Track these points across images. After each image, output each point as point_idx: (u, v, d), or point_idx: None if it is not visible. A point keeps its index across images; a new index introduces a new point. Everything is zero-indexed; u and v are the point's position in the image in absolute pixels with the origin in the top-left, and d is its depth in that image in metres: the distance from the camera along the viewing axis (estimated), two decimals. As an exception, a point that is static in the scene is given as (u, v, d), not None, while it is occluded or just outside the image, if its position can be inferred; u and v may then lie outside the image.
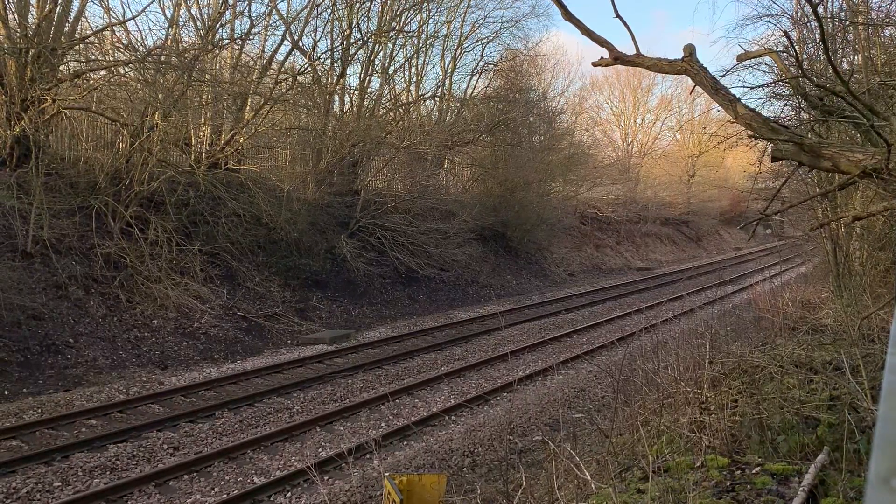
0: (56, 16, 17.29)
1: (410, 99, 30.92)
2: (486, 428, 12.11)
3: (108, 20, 18.87)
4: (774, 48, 12.31)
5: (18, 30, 16.66)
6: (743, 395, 8.16)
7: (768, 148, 8.81)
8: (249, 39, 22.70)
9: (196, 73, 19.56)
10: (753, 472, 6.44)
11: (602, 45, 8.11)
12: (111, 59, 18.72)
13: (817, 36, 10.29)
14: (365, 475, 9.93)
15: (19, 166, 16.38)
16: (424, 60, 31.81)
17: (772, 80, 14.17)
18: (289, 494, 9.52)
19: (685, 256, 49.33)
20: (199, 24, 21.46)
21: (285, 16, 23.67)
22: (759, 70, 16.54)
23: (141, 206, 18.12)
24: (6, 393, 12.55)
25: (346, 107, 27.95)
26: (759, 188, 18.23)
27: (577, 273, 35.70)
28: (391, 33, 27.33)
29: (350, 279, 22.86)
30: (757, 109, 8.11)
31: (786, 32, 8.70)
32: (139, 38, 20.55)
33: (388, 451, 11.09)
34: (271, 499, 9.40)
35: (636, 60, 8.11)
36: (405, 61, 30.47)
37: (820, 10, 10.49)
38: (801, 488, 5.75)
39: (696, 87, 8.00)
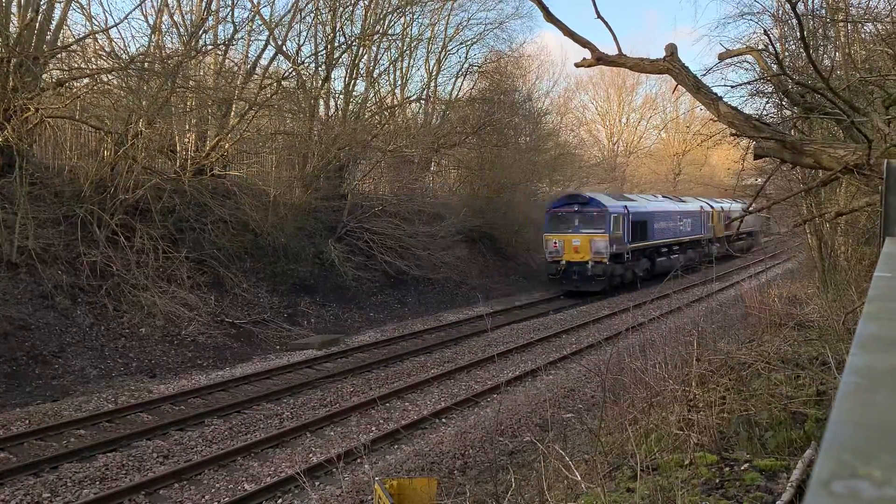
0: (37, 24, 17.19)
1: (396, 102, 30.90)
2: (476, 430, 12.11)
3: (90, 28, 18.79)
4: (756, 46, 12.39)
5: (-1, 39, 16.58)
6: (731, 392, 8.21)
7: (752, 145, 8.87)
8: (233, 45, 22.67)
9: (180, 80, 19.49)
10: (742, 468, 6.48)
11: (584, 46, 8.15)
12: (94, 66, 18.62)
13: (798, 33, 10.36)
14: (355, 480, 9.92)
15: (3, 176, 16.27)
16: (409, 63, 31.82)
17: (754, 78, 14.25)
18: (280, 501, 9.50)
19: (673, 254, 49.42)
20: (182, 30, 21.40)
21: (269, 20, 23.63)
22: (742, 68, 16.66)
23: (126, 213, 18.04)
24: (-7, 405, 12.47)
25: (332, 111, 27.94)
26: (744, 185, 18.33)
27: (566, 273, 35.70)
28: (375, 37, 27.33)
29: (338, 283, 22.82)
30: (739, 107, 8.17)
31: (766, 31, 8.76)
32: (122, 46, 20.47)
33: (378, 456, 11.08)
34: (262, 505, 9.38)
35: (618, 60, 8.15)
36: (390, 64, 30.47)
37: (800, 7, 10.57)
38: (789, 484, 5.79)
39: (679, 86, 8.05)
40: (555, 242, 27.29)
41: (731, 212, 36.25)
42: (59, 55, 18.27)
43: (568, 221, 27.41)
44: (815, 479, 0.52)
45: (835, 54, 14.78)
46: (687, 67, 7.71)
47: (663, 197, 36.75)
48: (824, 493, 0.49)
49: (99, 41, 19.06)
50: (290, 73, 24.23)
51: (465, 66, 33.83)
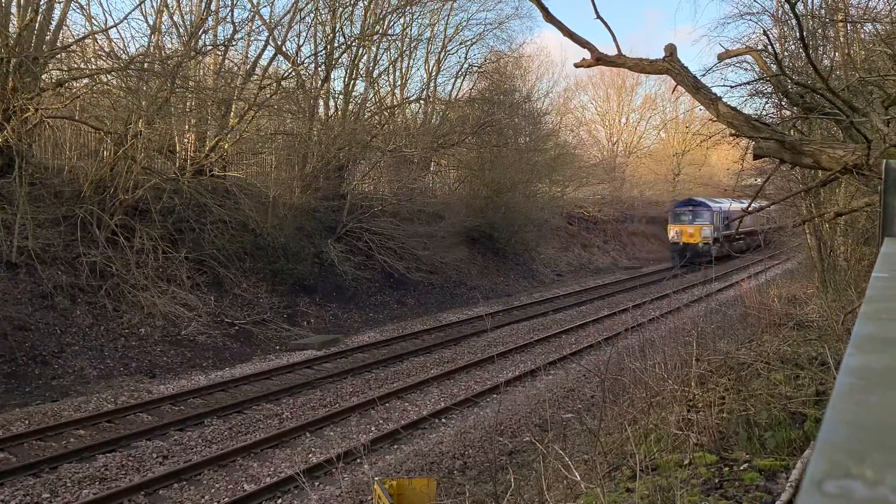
0: (37, 24, 17.20)
1: (395, 102, 30.91)
2: (476, 430, 12.12)
3: (89, 28, 18.79)
4: (756, 46, 12.39)
5: (-1, 39, 16.57)
6: (730, 391, 8.21)
7: (751, 145, 8.87)
8: (233, 45, 22.64)
9: (179, 80, 19.50)
10: (741, 468, 6.48)
11: (584, 47, 8.16)
12: (94, 67, 18.62)
13: (798, 33, 10.36)
14: (355, 480, 9.93)
15: (2, 176, 16.28)
16: (409, 63, 31.85)
17: (753, 79, 14.25)
18: (279, 501, 9.51)
19: (672, 254, 49.47)
20: (181, 30, 21.40)
21: (268, 21, 23.64)
22: (741, 68, 16.67)
23: (126, 214, 18.04)
24: (-7, 405, 12.47)
25: (331, 111, 27.92)
26: (744, 185, 18.33)
27: (565, 273, 35.78)
28: (375, 37, 27.33)
29: (338, 284, 22.83)
30: (738, 107, 8.17)
31: (765, 31, 8.76)
32: (122, 46, 20.48)
33: (378, 456, 11.09)
34: (262, 506, 9.39)
35: (618, 61, 8.15)
36: (389, 64, 30.49)
37: (799, 7, 10.57)
38: (788, 483, 5.79)
39: (678, 86, 8.05)
40: (676, 231, 38.73)
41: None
42: (58, 55, 18.26)
43: (685, 216, 38.55)
44: (809, 478, 0.52)
45: (834, 54, 14.78)
46: (686, 68, 7.71)
47: (733, 200, 43.07)
48: (817, 492, 0.49)
49: (98, 41, 19.07)
50: (290, 73, 24.22)
51: (465, 66, 33.90)
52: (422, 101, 32.50)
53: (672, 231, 39.22)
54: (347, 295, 22.88)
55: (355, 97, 28.16)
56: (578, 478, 6.06)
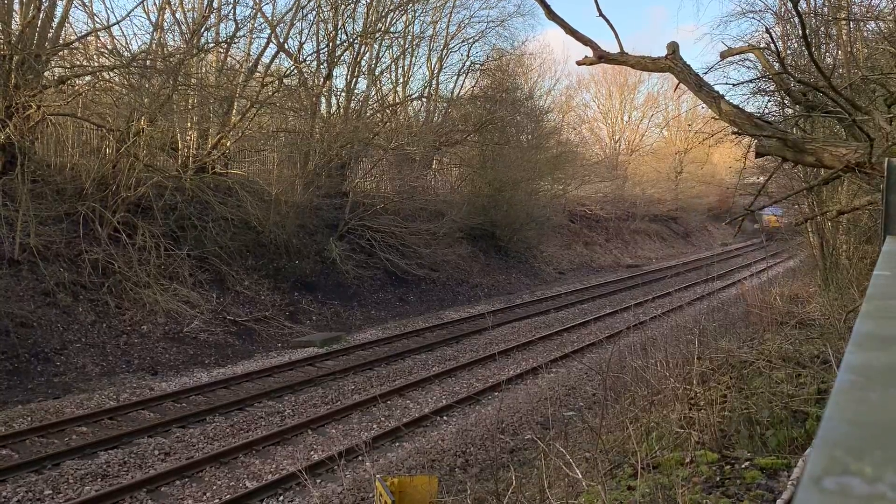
0: (40, 22, 17.20)
1: (397, 100, 30.90)
2: (477, 428, 12.12)
3: (92, 25, 18.77)
4: (758, 44, 12.38)
5: (2, 36, 16.57)
6: (732, 390, 8.21)
7: (753, 144, 8.86)
8: (235, 42, 22.64)
9: (181, 78, 19.49)
10: (743, 466, 6.48)
11: (586, 44, 8.15)
12: (96, 64, 18.63)
13: (800, 31, 10.34)
14: (356, 477, 9.93)
15: (5, 173, 16.29)
16: (411, 61, 31.83)
17: (756, 77, 14.24)
18: (281, 498, 9.52)
19: (674, 252, 49.48)
20: (183, 28, 21.39)
21: (270, 18, 23.63)
22: (743, 66, 16.65)
23: (128, 211, 18.05)
24: (-5, 402, 12.49)
25: (333, 109, 27.90)
26: (746, 183, 18.31)
27: (567, 271, 35.76)
28: (377, 34, 27.32)
29: (340, 281, 22.84)
30: (741, 106, 8.16)
31: (768, 29, 8.75)
32: (124, 43, 20.46)
33: (379, 453, 11.09)
34: (263, 503, 9.40)
35: (620, 59, 8.15)
36: (392, 62, 30.48)
37: (802, 5, 10.56)
38: (789, 482, 5.79)
39: (681, 84, 8.05)
40: (766, 220, 49.86)
41: None
42: (61, 53, 18.28)
43: (771, 211, 47.27)
44: (807, 475, 0.52)
45: (837, 52, 14.77)
46: (689, 66, 7.71)
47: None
48: (815, 489, 0.50)
49: (101, 39, 19.07)
50: (292, 70, 24.23)
51: (467, 63, 33.86)
52: (424, 99, 32.50)
53: (764, 219, 52.84)
54: (349, 292, 22.89)
55: (357, 95, 28.18)
56: (580, 475, 6.07)
